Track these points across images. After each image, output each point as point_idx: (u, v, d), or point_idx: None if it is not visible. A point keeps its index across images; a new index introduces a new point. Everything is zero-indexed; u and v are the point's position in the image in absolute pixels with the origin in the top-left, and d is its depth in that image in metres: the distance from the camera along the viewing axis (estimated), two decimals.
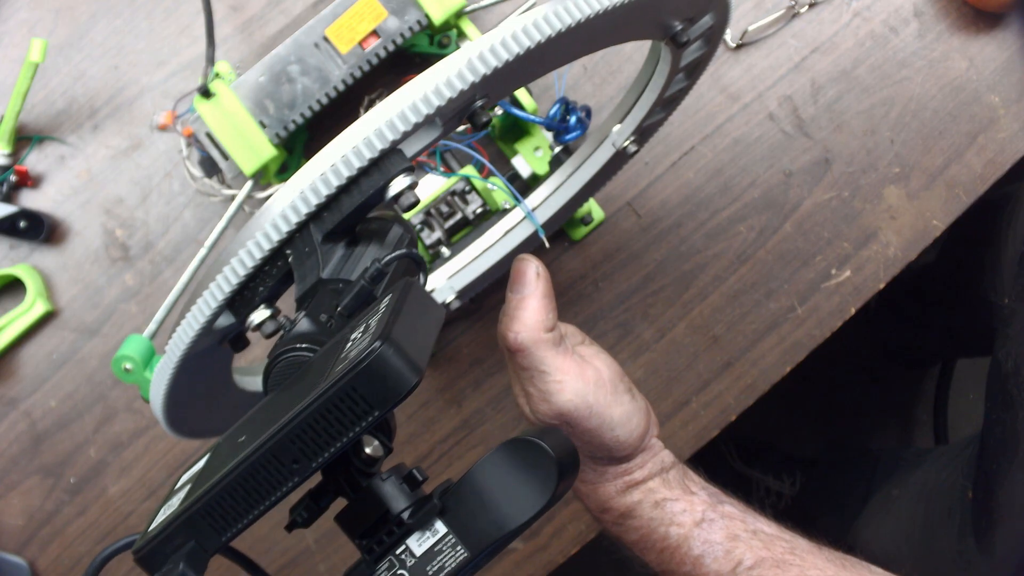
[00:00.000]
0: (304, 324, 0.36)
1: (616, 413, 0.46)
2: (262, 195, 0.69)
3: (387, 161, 0.35)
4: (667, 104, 0.58)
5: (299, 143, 0.71)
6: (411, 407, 0.74)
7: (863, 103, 0.74)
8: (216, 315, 0.37)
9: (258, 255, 0.36)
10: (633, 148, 0.59)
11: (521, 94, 0.66)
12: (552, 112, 0.64)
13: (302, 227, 0.36)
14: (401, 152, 0.36)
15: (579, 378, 0.44)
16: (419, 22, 0.64)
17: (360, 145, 0.34)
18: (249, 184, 0.64)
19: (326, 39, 0.63)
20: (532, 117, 0.64)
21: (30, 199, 0.75)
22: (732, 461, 1.24)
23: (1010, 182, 0.78)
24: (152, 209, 0.74)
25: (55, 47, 0.75)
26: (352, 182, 0.35)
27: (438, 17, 0.63)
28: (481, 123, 0.37)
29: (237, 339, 0.41)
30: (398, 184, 0.35)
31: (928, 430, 1.29)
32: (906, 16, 0.75)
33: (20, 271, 0.73)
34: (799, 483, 1.21)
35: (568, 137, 0.64)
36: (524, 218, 0.65)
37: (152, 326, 0.54)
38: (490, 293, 0.73)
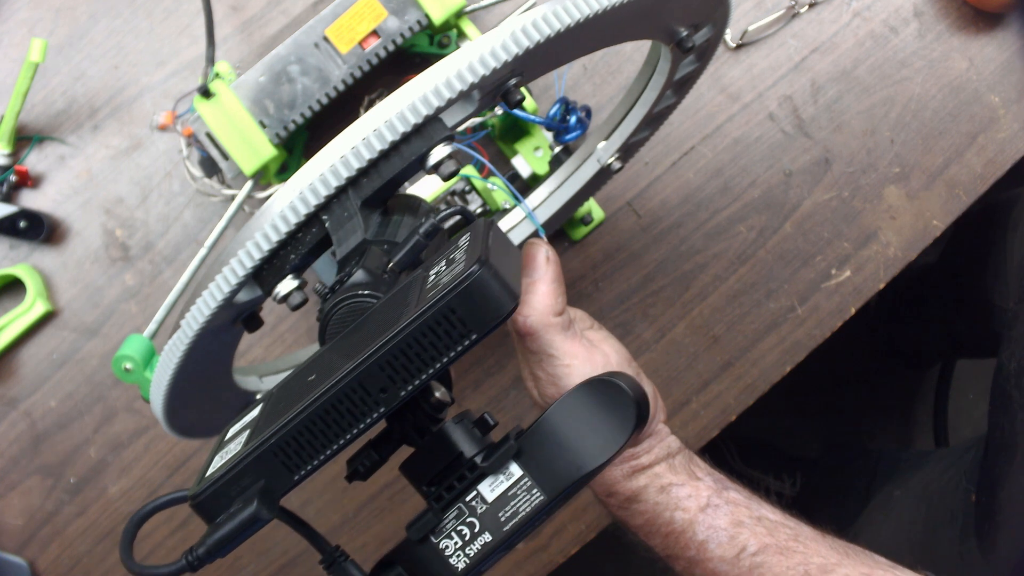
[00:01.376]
0: (360, 275, 0.36)
1: None
2: (262, 195, 0.69)
3: (429, 128, 0.35)
4: (653, 121, 0.58)
5: (299, 143, 0.71)
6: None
7: (863, 103, 0.74)
8: (241, 285, 0.36)
9: (293, 220, 0.35)
10: (617, 165, 0.60)
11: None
12: (552, 112, 0.64)
13: (340, 192, 0.35)
14: (442, 121, 0.36)
15: (587, 362, 0.45)
16: (419, 22, 0.64)
17: (405, 110, 0.34)
18: (249, 184, 0.64)
19: (326, 39, 0.63)
20: (532, 117, 0.64)
21: (30, 199, 0.75)
22: (732, 461, 1.24)
23: (1012, 185, 0.78)
24: (152, 209, 0.74)
25: (55, 47, 0.75)
26: (395, 147, 0.35)
27: (438, 17, 0.63)
28: (514, 101, 0.37)
29: (251, 318, 0.40)
30: (438, 152, 0.35)
31: (928, 430, 1.29)
32: (906, 16, 0.75)
33: (20, 271, 0.73)
34: (799, 483, 1.21)
35: (568, 137, 0.64)
36: (524, 218, 0.65)
37: (152, 326, 0.54)
38: None
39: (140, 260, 0.74)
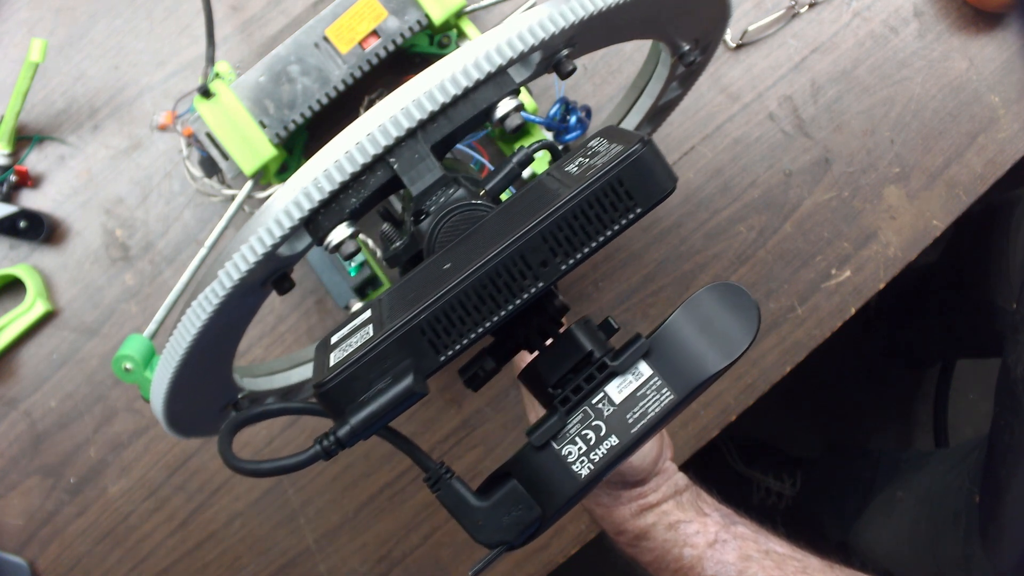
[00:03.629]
0: (461, 192, 0.36)
1: None
2: (262, 195, 0.69)
3: (498, 79, 0.36)
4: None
5: (299, 143, 0.71)
6: (411, 407, 0.74)
7: (863, 103, 0.74)
8: (295, 230, 0.35)
9: (360, 160, 0.34)
10: None
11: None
12: (552, 112, 0.64)
13: (410, 135, 0.35)
14: (509, 75, 0.36)
15: None
16: (419, 22, 0.64)
17: (481, 59, 0.34)
18: (249, 184, 0.64)
19: (326, 39, 0.63)
20: (532, 117, 0.64)
21: (30, 199, 0.75)
22: (732, 461, 1.24)
23: (1013, 185, 0.78)
24: (152, 209, 0.74)
25: (55, 47, 0.75)
26: (467, 94, 0.35)
27: (438, 17, 0.63)
28: (566, 71, 0.38)
29: (283, 279, 0.39)
30: (506, 105, 0.36)
31: (928, 430, 1.29)
32: (906, 16, 0.75)
33: (20, 271, 0.73)
34: (799, 483, 1.21)
35: (568, 137, 0.64)
36: None
37: (152, 326, 0.54)
38: None
39: (140, 260, 0.74)
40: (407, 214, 0.37)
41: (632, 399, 0.33)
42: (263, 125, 0.63)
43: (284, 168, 0.69)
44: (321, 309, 0.74)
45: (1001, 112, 0.74)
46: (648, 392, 0.33)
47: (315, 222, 0.35)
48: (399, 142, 0.35)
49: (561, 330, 0.35)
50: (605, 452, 0.33)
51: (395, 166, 0.35)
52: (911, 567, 0.89)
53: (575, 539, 0.73)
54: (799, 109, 0.74)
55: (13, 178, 0.73)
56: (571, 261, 0.29)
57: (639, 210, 0.30)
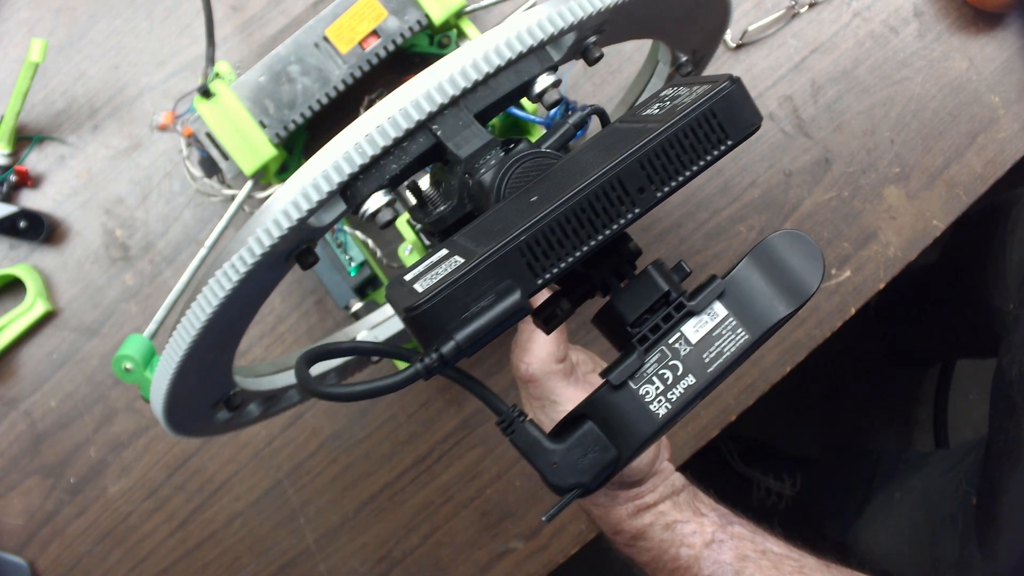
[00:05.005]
0: (524, 144, 0.36)
1: None
2: (262, 195, 0.69)
3: (539, 54, 0.37)
4: None
5: (299, 143, 0.71)
6: (411, 407, 0.74)
7: (863, 103, 0.74)
8: (332, 195, 0.35)
9: (404, 125, 0.34)
10: None
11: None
12: (552, 112, 0.64)
13: (453, 103, 0.36)
14: (548, 52, 0.37)
15: None
16: (419, 22, 0.64)
17: (524, 32, 0.35)
18: (249, 184, 0.64)
19: (326, 39, 0.63)
20: (532, 117, 0.64)
21: (30, 199, 0.75)
22: (732, 461, 1.24)
23: (1012, 185, 0.78)
24: (152, 209, 0.74)
25: (55, 47, 0.75)
26: (510, 64, 0.36)
27: (438, 17, 0.63)
28: (593, 58, 0.39)
29: (307, 253, 0.39)
30: (544, 80, 0.37)
31: (928, 430, 1.29)
32: (906, 16, 0.75)
33: (20, 271, 0.73)
34: (799, 483, 1.21)
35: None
36: None
37: (152, 326, 0.54)
38: None
39: (140, 260, 0.74)
40: (453, 179, 0.38)
41: (708, 339, 0.34)
42: (263, 125, 0.63)
43: (284, 168, 0.69)
44: (321, 309, 0.74)
45: (1001, 112, 0.74)
46: (724, 332, 0.34)
47: (353, 187, 0.36)
48: (442, 109, 0.35)
49: (636, 272, 0.35)
50: (682, 391, 0.33)
51: (438, 132, 0.36)
52: (909, 567, 0.89)
53: (575, 539, 0.73)
54: (799, 109, 0.74)
55: (13, 178, 0.73)
56: (666, 189, 0.31)
57: (730, 142, 0.31)
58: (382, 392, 0.30)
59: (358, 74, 0.64)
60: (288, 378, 0.58)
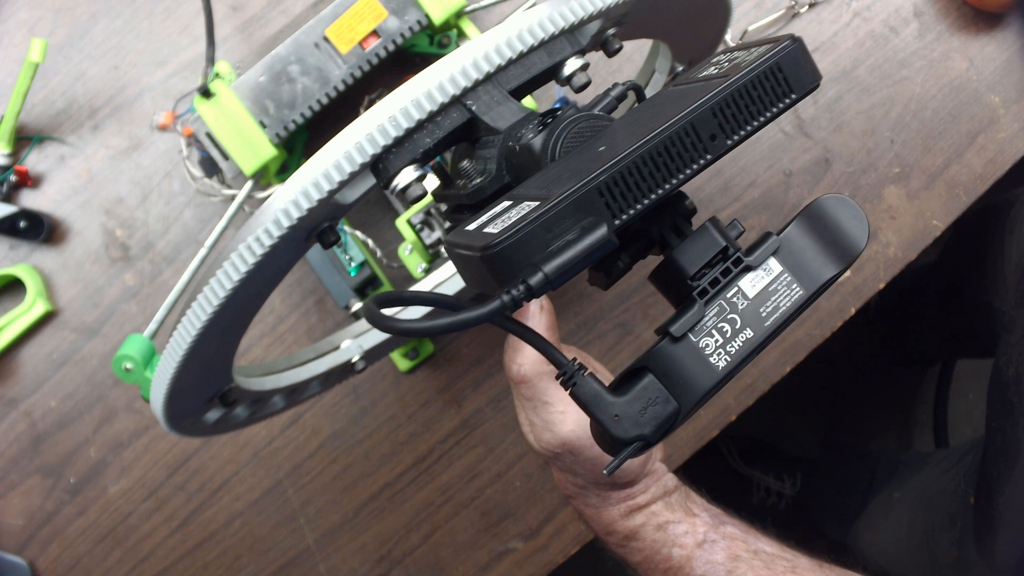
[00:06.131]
0: (572, 110, 0.37)
1: None
2: (262, 195, 0.69)
3: (570, 36, 0.39)
4: None
5: (299, 143, 0.71)
6: (411, 407, 0.74)
7: (863, 103, 0.74)
8: (365, 167, 0.35)
9: (439, 99, 0.35)
10: None
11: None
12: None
13: (488, 79, 0.37)
14: (576, 37, 0.39)
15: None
16: (419, 22, 0.64)
17: (557, 14, 0.37)
18: (249, 184, 0.64)
19: (326, 39, 0.63)
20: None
21: (30, 199, 0.75)
22: (732, 461, 1.24)
23: (1012, 185, 0.78)
24: (152, 209, 0.74)
25: (55, 47, 0.75)
26: (543, 44, 0.37)
27: (438, 17, 0.63)
28: (613, 50, 0.41)
29: (328, 232, 0.39)
30: (573, 63, 0.39)
31: (928, 430, 1.29)
32: (906, 16, 0.75)
33: (20, 271, 0.73)
34: (799, 483, 1.21)
35: None
36: None
37: (152, 326, 0.54)
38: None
39: (140, 260, 0.74)
40: (488, 151, 0.38)
41: (764, 294, 0.34)
42: (263, 125, 0.63)
43: (284, 168, 0.69)
44: (321, 309, 0.74)
45: (1001, 112, 0.74)
46: (779, 288, 0.35)
47: (385, 160, 0.36)
48: (476, 85, 0.36)
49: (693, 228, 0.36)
50: (741, 344, 0.34)
51: (472, 108, 0.37)
52: (908, 568, 0.89)
53: (575, 539, 0.73)
54: (799, 109, 0.74)
55: (13, 178, 0.73)
56: (735, 137, 0.32)
57: (793, 96, 0.32)
58: (463, 326, 0.30)
59: (358, 74, 0.64)
60: (287, 379, 0.58)
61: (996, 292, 0.83)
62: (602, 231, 0.29)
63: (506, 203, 0.33)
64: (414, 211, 0.61)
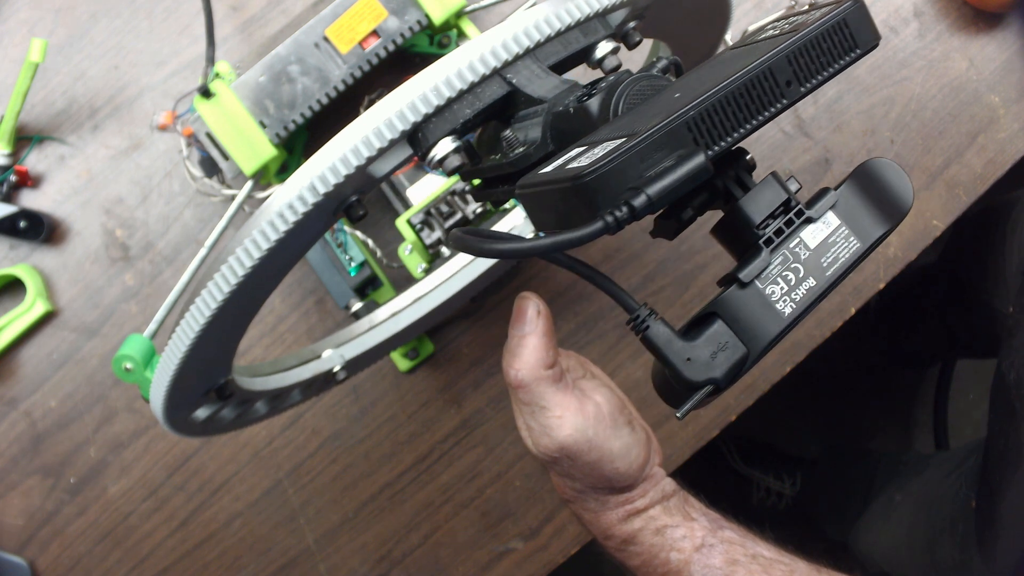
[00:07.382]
0: (625, 72, 0.39)
1: (615, 446, 0.46)
2: (262, 195, 0.69)
3: (601, 20, 0.40)
4: None
5: (299, 143, 0.71)
6: (411, 407, 0.74)
7: (863, 103, 0.74)
8: (405, 135, 0.36)
9: (481, 70, 0.36)
10: None
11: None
12: None
13: (527, 53, 0.38)
14: (607, 21, 0.41)
15: (579, 413, 0.45)
16: (419, 22, 0.64)
17: None
18: (249, 184, 0.64)
19: (326, 39, 0.63)
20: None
21: (30, 199, 0.75)
22: (732, 461, 1.24)
23: (1012, 185, 0.78)
24: (152, 209, 0.74)
25: (55, 47, 0.75)
26: (579, 24, 0.39)
27: (438, 17, 0.63)
28: (633, 42, 0.43)
29: (357, 205, 0.39)
30: (605, 46, 0.41)
31: (928, 431, 1.29)
32: (906, 16, 0.75)
33: (20, 271, 0.73)
34: (799, 483, 1.21)
35: None
36: (526, 217, 0.65)
37: (152, 326, 0.54)
38: (490, 293, 0.73)
39: (140, 260, 0.74)
40: (531, 120, 0.39)
41: (824, 245, 0.36)
42: (263, 125, 0.63)
43: (284, 168, 0.69)
44: (321, 309, 0.74)
45: (1001, 112, 0.74)
46: (838, 240, 0.36)
47: (424, 130, 0.37)
48: (516, 59, 0.37)
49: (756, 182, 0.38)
50: (805, 292, 0.35)
51: (513, 80, 0.38)
52: (909, 571, 0.89)
53: (575, 539, 0.73)
54: (799, 109, 0.74)
55: (13, 178, 0.73)
56: (809, 85, 0.34)
57: (859, 50, 0.35)
58: (565, 246, 0.31)
59: (358, 74, 0.64)
60: (273, 382, 0.57)
61: (997, 293, 0.83)
62: (700, 158, 0.30)
63: (579, 148, 0.34)
64: (414, 211, 0.61)
